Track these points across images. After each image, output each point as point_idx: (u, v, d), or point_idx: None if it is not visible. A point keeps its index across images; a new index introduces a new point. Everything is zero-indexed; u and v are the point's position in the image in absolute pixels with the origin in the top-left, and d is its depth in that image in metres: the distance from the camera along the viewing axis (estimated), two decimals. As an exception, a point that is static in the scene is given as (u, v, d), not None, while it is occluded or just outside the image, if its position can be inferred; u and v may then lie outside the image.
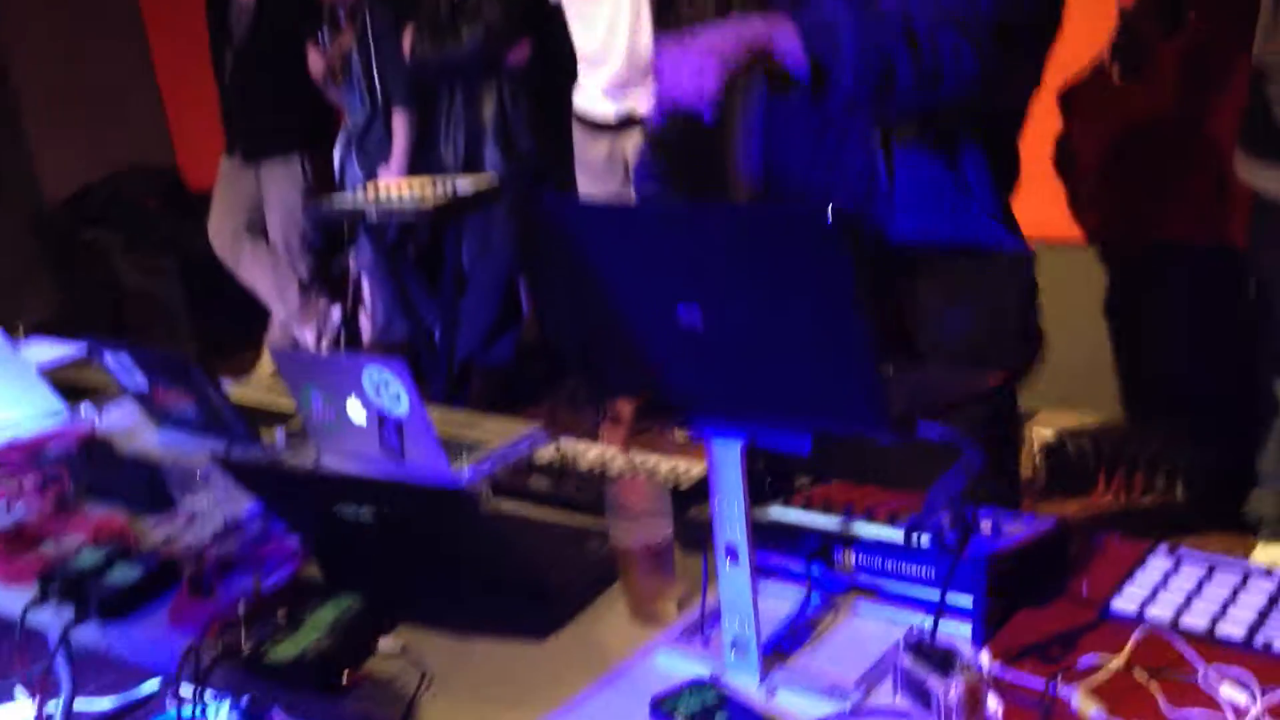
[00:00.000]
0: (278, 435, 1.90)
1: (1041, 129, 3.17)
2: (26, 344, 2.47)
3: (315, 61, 4.08)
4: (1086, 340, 3.29)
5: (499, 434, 1.87)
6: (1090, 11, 2.97)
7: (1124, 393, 3.31)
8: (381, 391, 1.66)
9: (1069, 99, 3.15)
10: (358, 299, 4.46)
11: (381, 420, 1.69)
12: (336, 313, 4.54)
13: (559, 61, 3.73)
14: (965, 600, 1.19)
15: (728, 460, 1.15)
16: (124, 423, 2.04)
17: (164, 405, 1.94)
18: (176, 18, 5.04)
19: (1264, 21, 2.47)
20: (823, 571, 1.30)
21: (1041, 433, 3.24)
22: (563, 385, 3.89)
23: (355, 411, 1.72)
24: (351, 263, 4.42)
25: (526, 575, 1.30)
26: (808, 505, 1.40)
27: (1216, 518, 2.85)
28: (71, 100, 5.25)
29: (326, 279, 4.57)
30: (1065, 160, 3.20)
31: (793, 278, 1.00)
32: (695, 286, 1.06)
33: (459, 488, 1.62)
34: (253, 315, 4.63)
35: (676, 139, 1.68)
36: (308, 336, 4.54)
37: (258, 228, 4.52)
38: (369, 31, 3.98)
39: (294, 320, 4.53)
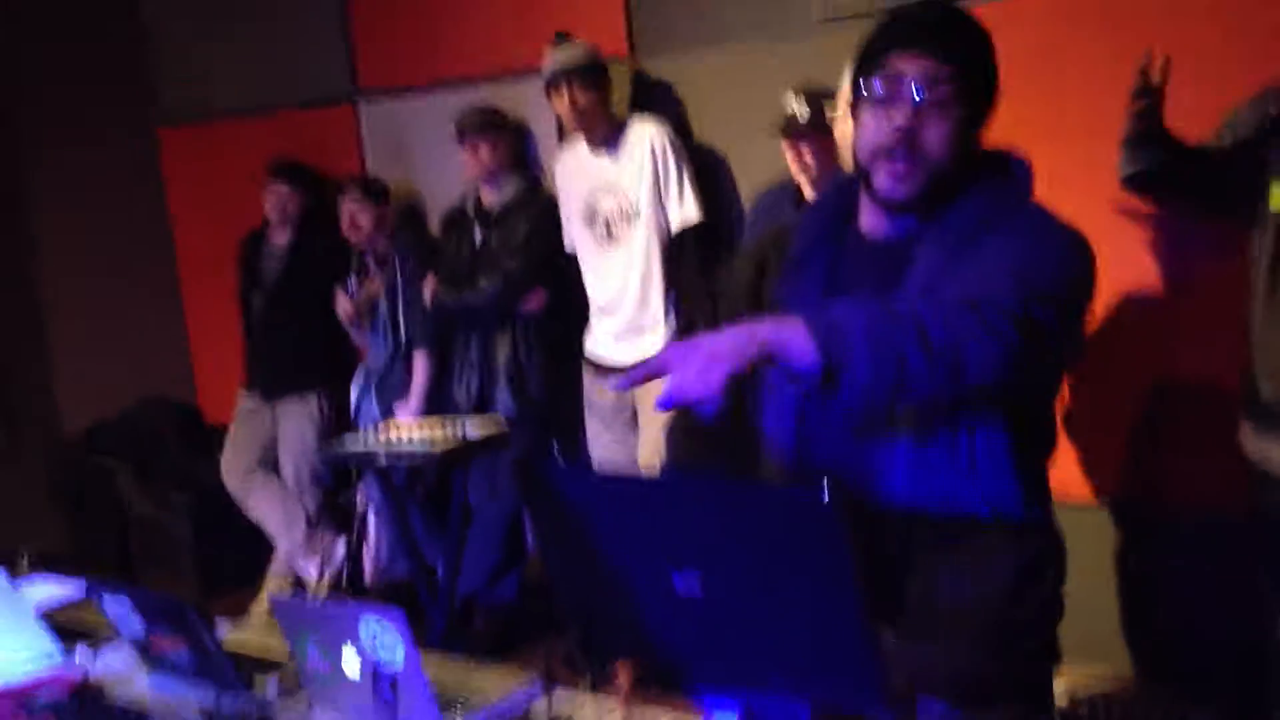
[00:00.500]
0: (269, 686, 1.87)
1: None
2: (29, 581, 2.47)
3: (344, 305, 4.25)
4: (1097, 596, 3.25)
5: (495, 687, 1.84)
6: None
7: (1134, 651, 3.25)
8: (378, 642, 1.65)
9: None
10: (362, 535, 4.46)
11: (376, 674, 1.68)
12: (341, 548, 4.53)
13: (570, 309, 3.87)
14: None
15: (722, 732, 1.14)
16: (117, 668, 2.02)
17: (159, 650, 1.93)
18: (208, 258, 5.26)
19: (1259, 290, 2.46)
20: None
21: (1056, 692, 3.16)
22: (561, 633, 3.84)
23: (350, 662, 1.70)
24: (358, 500, 4.45)
25: None
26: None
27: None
28: (98, 332, 5.42)
29: (333, 514, 4.59)
30: (1075, 419, 3.24)
31: (790, 553, 1.02)
32: (694, 556, 1.08)
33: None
34: (257, 551, 4.62)
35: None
36: (311, 571, 4.51)
37: (270, 462, 4.57)
38: (397, 278, 4.17)
39: (298, 553, 4.52)
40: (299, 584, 4.55)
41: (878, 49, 1.57)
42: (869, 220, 1.65)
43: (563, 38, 3.68)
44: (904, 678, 1.05)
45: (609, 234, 3.67)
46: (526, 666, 1.92)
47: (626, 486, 1.18)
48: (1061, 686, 3.14)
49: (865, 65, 1.57)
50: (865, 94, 1.56)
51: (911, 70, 1.52)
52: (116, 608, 1.92)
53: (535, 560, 4.15)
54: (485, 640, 3.88)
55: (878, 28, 1.60)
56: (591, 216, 3.70)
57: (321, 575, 4.52)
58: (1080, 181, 2.80)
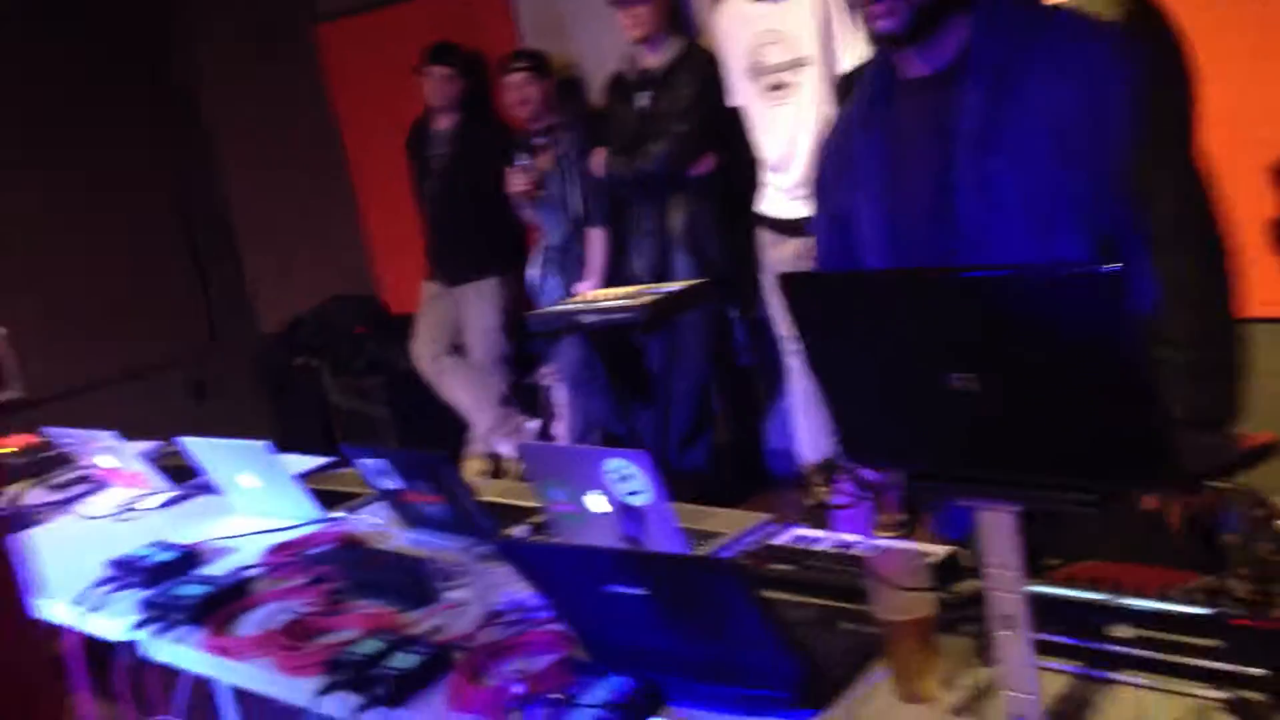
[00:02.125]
0: (519, 531, 1.98)
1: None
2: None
3: (515, 183, 4.30)
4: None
5: (733, 524, 1.91)
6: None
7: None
8: (623, 483, 1.73)
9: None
10: (553, 412, 4.61)
11: (624, 511, 1.76)
12: (533, 425, 4.69)
13: (741, 170, 3.84)
14: (1260, 673, 1.16)
15: (1002, 528, 1.16)
16: (377, 525, 2.16)
17: (414, 506, 2.05)
18: (378, 153, 5.39)
19: None
20: (1098, 646, 1.28)
21: None
22: (760, 489, 3.91)
23: (596, 503, 1.78)
24: (544, 378, 4.58)
25: (793, 652, 1.32)
26: (1070, 582, 1.39)
27: None
28: (282, 234, 5.68)
29: (522, 395, 4.74)
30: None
31: (1070, 333, 1.01)
32: (968, 352, 1.08)
33: (732, 561, 1.65)
34: (453, 429, 4.82)
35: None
36: (506, 449, 4.69)
37: (459, 347, 4.74)
38: (568, 154, 4.20)
39: (492, 433, 4.70)
40: (496, 462, 4.74)
41: None
42: (902, 67, 1.74)
43: None
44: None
45: (778, 86, 3.60)
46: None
47: (890, 282, 1.19)
48: None
49: None
50: None
51: None
52: (372, 468, 2.04)
53: (723, 427, 4.22)
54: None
55: None
56: (758, 70, 3.63)
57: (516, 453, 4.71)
58: None
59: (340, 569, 1.86)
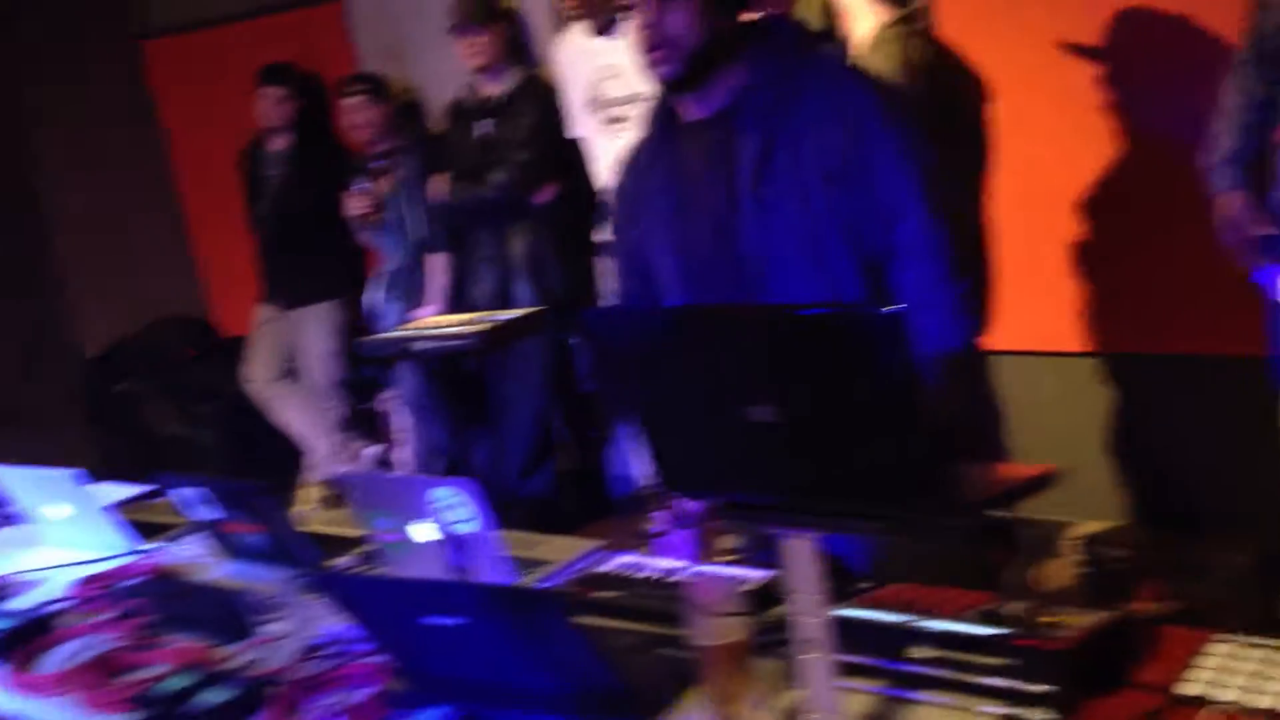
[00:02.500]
0: (346, 562, 1.95)
1: (1053, 235, 3.29)
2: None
3: (354, 207, 4.23)
4: (1107, 450, 3.35)
5: (562, 551, 1.92)
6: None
7: (1156, 500, 3.35)
8: (450, 512, 1.72)
9: (1085, 208, 3.26)
10: (392, 438, 4.54)
11: (450, 540, 1.75)
12: (372, 452, 4.61)
13: (583, 198, 3.88)
14: (1040, 689, 1.23)
15: (804, 555, 1.21)
16: (194, 557, 2.09)
17: (232, 537, 2.00)
18: (209, 172, 5.24)
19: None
20: (898, 667, 1.34)
21: (1076, 544, 3.26)
22: (605, 514, 3.93)
23: (423, 533, 1.77)
24: (385, 404, 4.51)
25: (611, 678, 1.34)
26: (875, 605, 1.45)
27: (1256, 620, 2.85)
28: (107, 255, 5.43)
29: (359, 421, 4.66)
30: (1076, 266, 3.30)
31: (855, 372, 1.07)
32: (762, 382, 1.13)
33: (548, 589, 1.66)
34: (289, 456, 4.70)
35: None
36: (343, 476, 4.60)
37: (293, 372, 4.63)
38: (405, 177, 4.16)
39: (329, 462, 4.60)
40: (335, 489, 4.63)
41: None
42: (681, 108, 1.88)
43: None
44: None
45: (617, 120, 3.66)
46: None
47: (690, 318, 1.24)
48: (1080, 542, 3.25)
49: None
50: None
51: None
52: (188, 498, 1.98)
53: (566, 453, 4.23)
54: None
55: None
56: (598, 103, 3.68)
57: (353, 481, 4.60)
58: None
59: (152, 602, 1.79)
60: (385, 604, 1.40)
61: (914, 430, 1.06)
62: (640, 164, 1.94)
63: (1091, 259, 3.28)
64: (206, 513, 2.00)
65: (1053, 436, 3.29)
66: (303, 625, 1.65)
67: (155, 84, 5.46)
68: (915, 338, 1.77)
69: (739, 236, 1.80)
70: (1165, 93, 3.06)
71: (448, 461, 4.12)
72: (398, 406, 4.40)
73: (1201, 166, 2.61)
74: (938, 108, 2.55)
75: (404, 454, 4.42)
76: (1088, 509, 3.36)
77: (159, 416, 5.08)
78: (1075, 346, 3.35)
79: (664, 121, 1.92)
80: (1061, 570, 3.29)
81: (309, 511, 4.23)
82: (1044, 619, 1.30)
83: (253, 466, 4.87)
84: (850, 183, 1.77)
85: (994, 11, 3.22)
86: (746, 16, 1.88)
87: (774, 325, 1.14)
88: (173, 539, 2.18)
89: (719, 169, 1.82)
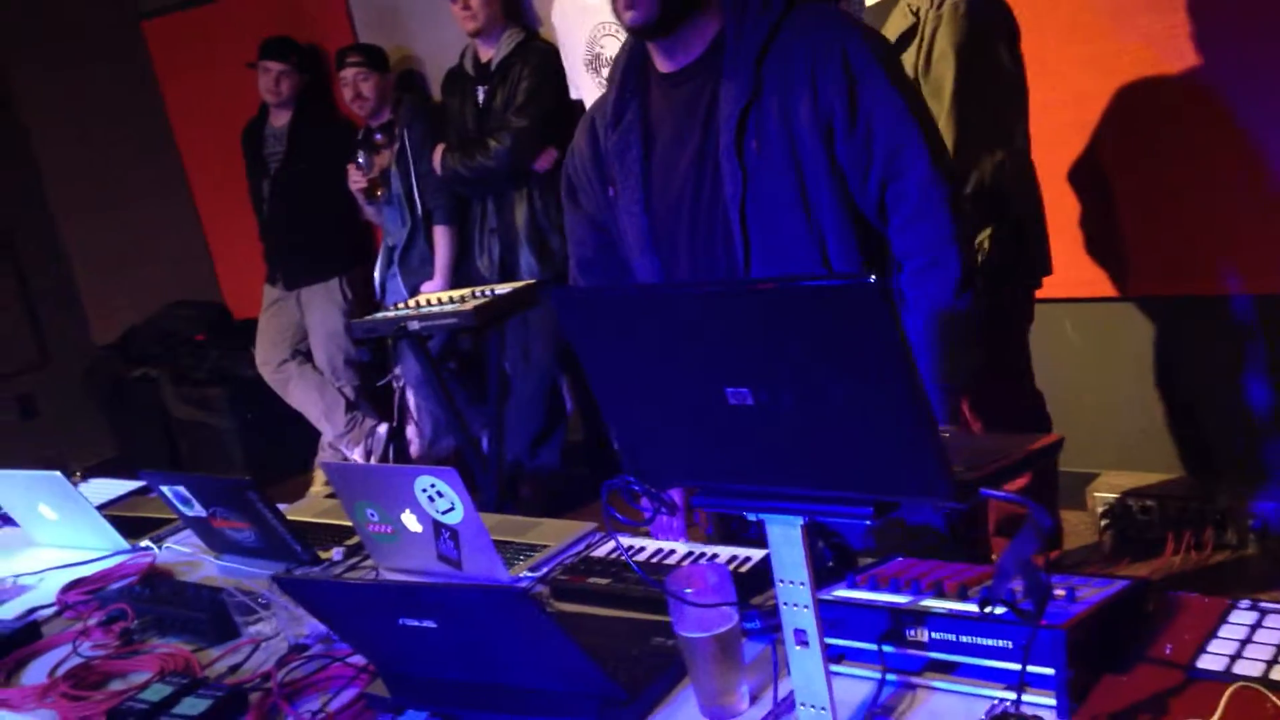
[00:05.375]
0: (335, 554, 1.90)
1: (1078, 182, 3.17)
2: (83, 485, 2.50)
3: (355, 181, 4.16)
4: (1139, 398, 3.24)
5: (555, 536, 1.86)
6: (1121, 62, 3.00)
7: (1183, 450, 3.25)
8: (435, 501, 1.66)
9: (1107, 152, 3.13)
10: (404, 415, 4.49)
11: (437, 529, 1.69)
12: (384, 430, 4.57)
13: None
14: (1047, 671, 1.16)
15: (789, 542, 1.14)
16: (184, 554, 2.05)
17: (222, 533, 1.95)
18: (214, 153, 5.19)
19: None
20: (896, 651, 1.27)
21: (1103, 497, 3.17)
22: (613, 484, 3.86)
23: (410, 523, 1.72)
24: (396, 380, 4.47)
25: (595, 675, 1.27)
26: (874, 585, 1.37)
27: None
28: (114, 238, 5.39)
29: (372, 398, 4.62)
30: (1104, 213, 3.18)
31: (841, 346, 0.99)
32: (742, 366, 1.05)
33: (519, 589, 1.61)
34: (303, 437, 4.68)
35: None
36: (356, 455, 4.57)
37: (303, 352, 4.59)
38: (407, 150, 4.08)
39: (342, 440, 4.57)
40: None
41: None
42: (655, 58, 1.78)
43: None
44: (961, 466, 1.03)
45: (616, 79, 3.56)
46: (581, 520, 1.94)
47: (663, 298, 1.15)
48: (1112, 496, 3.16)
49: None
50: None
51: None
52: (176, 495, 1.94)
53: (576, 425, 4.17)
54: (531, 507, 3.92)
55: None
56: (597, 62, 3.58)
57: (368, 459, 4.58)
58: None
59: (136, 606, 1.75)
60: (355, 608, 1.34)
61: (905, 408, 0.98)
62: (610, 119, 1.82)
63: (1116, 200, 3.15)
64: (196, 508, 1.95)
65: (1079, 383, 3.19)
66: (290, 624, 1.60)
67: (157, 64, 5.39)
68: (922, 299, 1.72)
69: (720, 188, 1.70)
70: (1195, 29, 2.91)
71: (456, 438, 4.07)
72: (408, 384, 4.36)
73: None
74: (978, 45, 2.44)
75: (415, 431, 4.38)
76: (1116, 459, 3.27)
77: (174, 402, 5.06)
78: (1103, 292, 3.23)
79: (635, 74, 1.81)
80: (1085, 525, 3.21)
81: (321, 495, 4.22)
82: (1055, 592, 1.23)
83: (269, 449, 4.85)
84: (847, 134, 1.66)
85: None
86: None
87: (750, 301, 1.05)
88: (161, 537, 2.14)
89: (696, 120, 1.72)
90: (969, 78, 2.44)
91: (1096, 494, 3.18)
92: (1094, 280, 3.21)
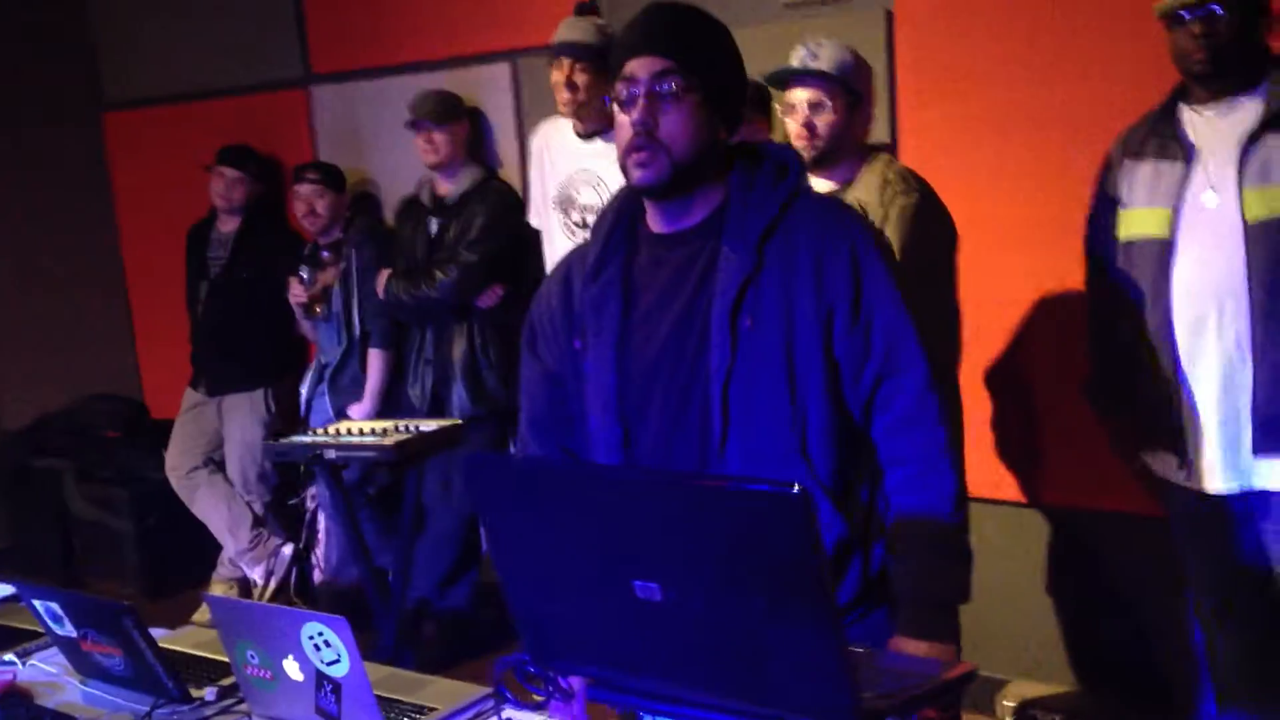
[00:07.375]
0: (208, 693, 1.79)
1: (988, 391, 3.22)
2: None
3: (296, 295, 4.10)
4: (1045, 608, 3.24)
5: (446, 699, 1.77)
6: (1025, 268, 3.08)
7: (1077, 661, 3.23)
8: (321, 650, 1.57)
9: (1022, 363, 3.19)
10: (312, 537, 4.35)
11: (320, 681, 1.60)
12: (288, 551, 4.41)
13: (528, 303, 3.76)
14: None
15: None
16: (48, 674, 1.92)
17: (90, 656, 1.83)
18: (155, 249, 5.12)
19: None
20: None
21: (1008, 705, 3.14)
22: (514, 643, 3.75)
23: (292, 670, 1.62)
24: (308, 501, 4.34)
25: None
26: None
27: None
28: (40, 324, 5.24)
29: (281, 515, 4.47)
30: (1006, 422, 3.22)
31: (755, 552, 0.96)
32: (654, 556, 1.01)
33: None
34: (203, 550, 4.50)
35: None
36: (257, 574, 4.40)
37: (216, 461, 4.45)
38: (353, 270, 4.04)
39: (244, 557, 4.40)
40: (245, 588, 4.43)
41: (617, 59, 1.69)
42: (651, 218, 1.76)
43: (584, 9, 3.55)
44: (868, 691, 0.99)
45: (582, 224, 3.56)
46: (477, 678, 1.85)
47: (581, 479, 1.10)
48: (1013, 703, 3.13)
49: (613, 76, 1.70)
50: (614, 102, 1.68)
51: (642, 71, 1.65)
52: (47, 611, 1.82)
53: (488, 567, 4.06)
54: (435, 648, 3.78)
55: (615, 40, 1.74)
56: (567, 203, 3.57)
57: (268, 580, 4.41)
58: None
59: (-14, 729, 1.62)
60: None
61: (817, 626, 0.94)
62: (590, 270, 1.77)
63: (1036, 407, 3.20)
64: (66, 626, 1.83)
65: (994, 588, 3.17)
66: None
67: (112, 158, 5.37)
68: (917, 509, 1.64)
69: (704, 358, 1.65)
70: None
71: (362, 569, 3.94)
72: (321, 507, 4.23)
73: None
74: (919, 249, 2.49)
75: (321, 555, 4.24)
76: (1027, 668, 3.24)
77: (75, 498, 4.86)
78: (1018, 496, 3.25)
79: (624, 230, 1.78)
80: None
81: (203, 624, 4.05)
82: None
83: (166, 559, 4.66)
84: (848, 328, 1.66)
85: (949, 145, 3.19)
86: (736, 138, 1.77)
87: (673, 495, 1.02)
88: (29, 651, 2.00)
89: (688, 285, 1.69)
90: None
91: (1003, 702, 3.14)
92: (1009, 484, 3.23)
